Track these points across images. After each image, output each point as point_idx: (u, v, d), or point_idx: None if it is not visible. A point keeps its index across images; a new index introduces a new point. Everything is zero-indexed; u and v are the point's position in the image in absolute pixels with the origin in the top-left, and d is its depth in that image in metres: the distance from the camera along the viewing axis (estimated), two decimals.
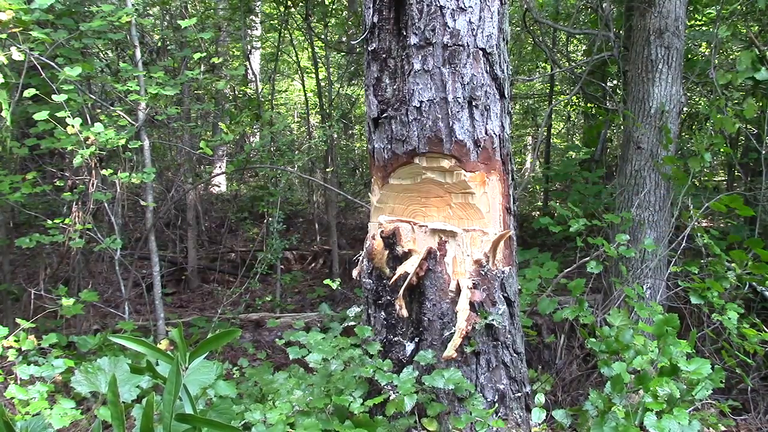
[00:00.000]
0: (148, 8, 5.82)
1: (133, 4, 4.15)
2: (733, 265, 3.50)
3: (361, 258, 2.93)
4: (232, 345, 4.58)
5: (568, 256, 5.92)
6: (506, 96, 2.77)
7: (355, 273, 2.98)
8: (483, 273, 2.70)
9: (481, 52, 2.62)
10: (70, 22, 4.17)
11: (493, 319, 2.68)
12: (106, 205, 4.23)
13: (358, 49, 7.08)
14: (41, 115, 3.56)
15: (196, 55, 4.21)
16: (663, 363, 2.70)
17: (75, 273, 4.72)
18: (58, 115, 3.55)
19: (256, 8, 7.84)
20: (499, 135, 2.72)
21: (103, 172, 3.83)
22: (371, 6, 2.71)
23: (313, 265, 7.84)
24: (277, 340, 3.33)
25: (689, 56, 6.21)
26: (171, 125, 6.00)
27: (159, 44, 5.87)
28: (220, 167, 8.89)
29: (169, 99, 4.45)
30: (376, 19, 2.69)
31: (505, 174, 2.79)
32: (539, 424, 2.78)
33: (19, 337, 3.08)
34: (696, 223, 3.80)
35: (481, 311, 2.68)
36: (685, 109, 6.34)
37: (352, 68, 8.56)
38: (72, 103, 3.75)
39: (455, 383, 2.55)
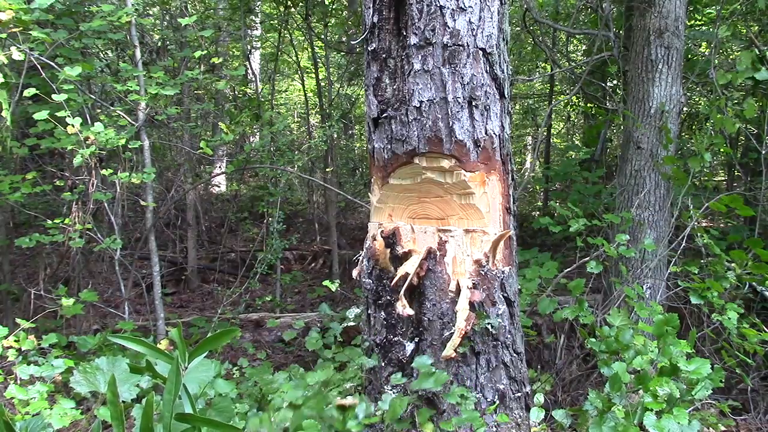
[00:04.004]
0: (148, 8, 5.82)
1: (133, 4, 4.15)
2: (733, 265, 3.50)
3: (361, 258, 2.93)
4: (232, 345, 4.58)
5: (568, 256, 5.92)
6: (506, 96, 2.77)
7: (355, 273, 2.98)
8: (483, 273, 2.70)
9: (481, 52, 2.62)
10: (70, 22, 4.17)
11: (492, 320, 2.68)
12: (106, 205, 4.23)
13: (358, 49, 7.08)
14: (41, 115, 3.56)
15: (197, 53, 4.21)
16: (663, 363, 2.70)
17: (75, 273, 4.72)
18: (58, 115, 3.56)
19: (256, 8, 7.84)
20: (499, 135, 2.72)
21: (103, 172, 3.83)
22: (371, 6, 2.71)
23: (313, 265, 7.84)
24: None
25: (689, 56, 6.21)
26: (171, 125, 6.01)
27: (159, 44, 5.87)
28: (220, 167, 8.89)
29: (169, 99, 4.45)
30: (376, 19, 2.69)
31: (505, 174, 2.79)
32: (538, 424, 2.78)
33: (19, 337, 3.08)
34: (696, 223, 3.80)
35: (481, 311, 2.68)
36: (685, 109, 6.34)
37: (352, 68, 8.55)
38: (72, 103, 3.75)
39: (442, 385, 2.56)
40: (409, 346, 2.77)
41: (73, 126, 3.49)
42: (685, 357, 2.72)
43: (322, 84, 7.95)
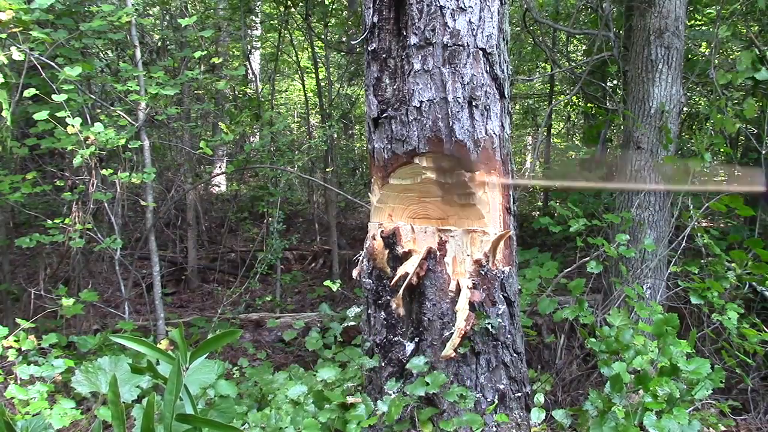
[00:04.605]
0: (148, 8, 5.82)
1: (133, 4, 4.15)
2: (733, 265, 3.50)
3: (361, 258, 2.93)
4: (232, 345, 4.58)
5: (568, 256, 5.92)
6: (506, 96, 2.77)
7: (355, 273, 2.98)
8: (483, 273, 2.70)
9: (481, 52, 2.62)
10: (70, 22, 4.17)
11: (491, 320, 2.68)
12: (106, 205, 4.23)
13: (358, 49, 7.08)
14: (41, 115, 3.56)
15: (197, 54, 4.21)
16: (663, 363, 2.70)
17: (75, 273, 4.72)
18: (58, 115, 3.55)
19: (256, 8, 7.84)
20: (499, 135, 2.72)
21: (103, 172, 3.83)
22: (371, 6, 2.71)
23: (313, 265, 7.84)
24: None
25: (689, 56, 6.21)
26: (171, 125, 6.01)
27: (159, 44, 5.87)
28: (220, 167, 8.89)
29: (169, 99, 4.45)
30: (376, 19, 2.69)
31: (505, 174, 2.79)
32: (539, 424, 2.78)
33: (19, 337, 3.08)
34: (696, 223, 3.80)
35: (481, 311, 2.68)
36: (685, 109, 6.34)
37: (352, 68, 8.56)
38: (72, 103, 3.75)
39: (439, 387, 2.57)
40: (409, 346, 2.77)
41: (73, 126, 3.48)
42: (685, 357, 2.73)
43: (322, 84, 7.95)
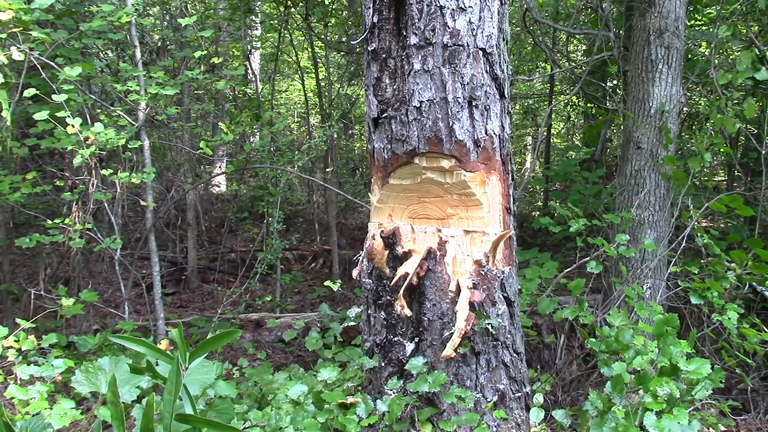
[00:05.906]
0: (148, 8, 5.82)
1: (133, 4, 4.15)
2: (733, 265, 3.50)
3: (361, 258, 2.93)
4: (232, 345, 4.58)
5: (568, 256, 5.92)
6: (506, 96, 2.77)
7: (355, 273, 2.98)
8: (483, 273, 2.70)
9: (481, 52, 2.62)
10: (70, 22, 4.17)
11: (492, 320, 2.68)
12: (106, 205, 4.23)
13: (358, 49, 7.08)
14: (41, 115, 3.56)
15: (197, 54, 4.21)
16: (663, 363, 2.70)
17: (75, 273, 4.72)
18: (58, 115, 3.55)
19: (256, 8, 7.84)
20: (499, 135, 2.72)
21: (103, 172, 3.83)
22: (371, 6, 2.71)
23: (313, 265, 7.84)
24: None
25: (689, 56, 6.21)
26: (171, 125, 6.01)
27: (159, 44, 5.87)
28: (220, 167, 8.89)
29: (169, 99, 4.45)
30: (376, 19, 2.69)
31: (505, 174, 2.79)
32: (538, 424, 2.78)
33: (19, 337, 3.08)
34: (696, 223, 3.80)
35: (481, 311, 2.68)
36: (685, 109, 6.34)
37: (352, 68, 8.56)
38: (72, 103, 3.75)
39: (440, 386, 2.57)
40: (409, 346, 2.77)
41: (73, 126, 3.49)
42: (685, 357, 2.72)
43: (322, 84, 7.95)
